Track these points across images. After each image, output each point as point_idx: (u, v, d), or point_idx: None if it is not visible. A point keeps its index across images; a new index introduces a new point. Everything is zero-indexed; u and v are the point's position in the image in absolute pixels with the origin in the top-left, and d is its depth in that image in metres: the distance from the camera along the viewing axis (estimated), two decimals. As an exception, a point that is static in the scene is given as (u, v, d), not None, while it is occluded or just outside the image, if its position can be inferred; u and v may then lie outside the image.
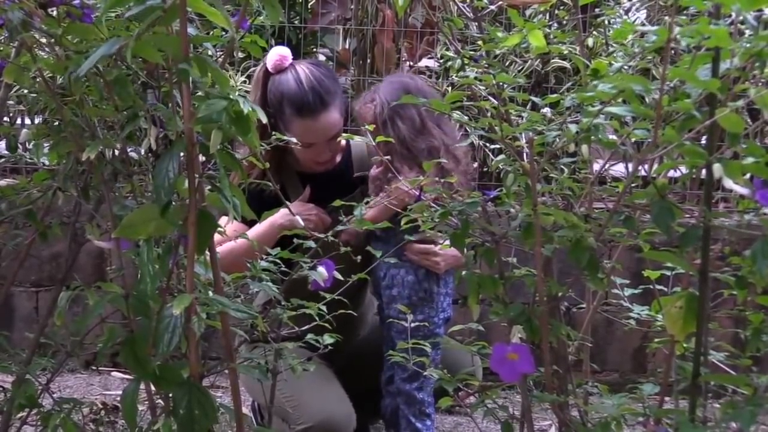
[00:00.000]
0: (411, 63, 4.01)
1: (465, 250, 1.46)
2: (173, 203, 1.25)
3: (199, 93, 1.20)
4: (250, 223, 2.11)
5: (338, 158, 2.50)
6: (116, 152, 1.51)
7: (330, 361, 2.38)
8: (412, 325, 2.00)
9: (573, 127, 1.29)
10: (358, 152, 2.51)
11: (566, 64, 3.67)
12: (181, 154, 1.22)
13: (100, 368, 3.42)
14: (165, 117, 1.23)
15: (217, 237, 1.72)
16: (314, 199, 2.35)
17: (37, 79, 1.49)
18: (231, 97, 1.11)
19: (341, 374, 2.44)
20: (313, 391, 2.27)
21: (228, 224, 1.80)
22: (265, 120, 1.15)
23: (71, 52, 1.28)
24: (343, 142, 2.48)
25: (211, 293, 1.32)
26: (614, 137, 1.36)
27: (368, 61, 3.96)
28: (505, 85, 1.41)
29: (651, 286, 1.74)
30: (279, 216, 2.20)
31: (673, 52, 2.40)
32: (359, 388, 2.40)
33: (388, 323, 2.30)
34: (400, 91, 2.26)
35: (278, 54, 2.33)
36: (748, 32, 1.32)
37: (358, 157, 2.50)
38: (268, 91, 2.35)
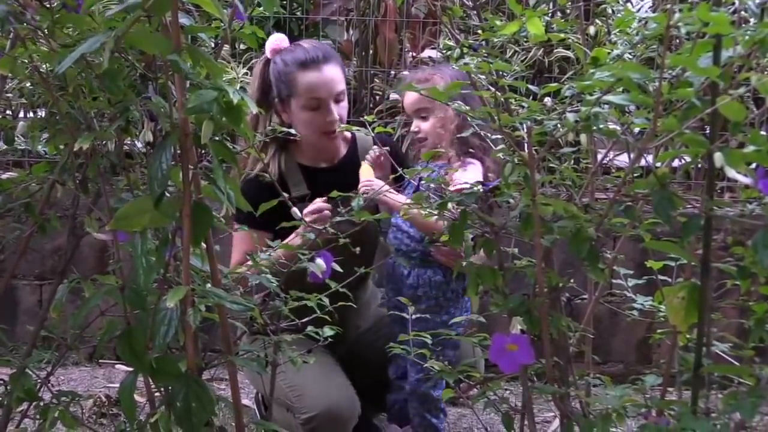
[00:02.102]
0: (413, 54, 3.99)
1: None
2: (171, 195, 1.24)
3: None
4: (267, 222, 2.00)
5: (343, 151, 2.48)
6: (114, 145, 1.50)
7: (331, 350, 2.37)
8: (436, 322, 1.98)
9: (572, 116, 1.27)
10: (363, 147, 2.49)
11: (569, 53, 3.65)
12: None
13: (104, 361, 3.43)
14: (156, 109, 1.22)
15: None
16: (317, 193, 2.34)
17: (35, 72, 1.49)
18: (222, 87, 1.10)
19: (343, 366, 2.43)
20: (316, 380, 2.26)
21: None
22: (255, 110, 1.14)
23: (59, 45, 1.27)
24: (348, 134, 2.47)
25: (208, 285, 1.31)
26: (616, 126, 1.35)
27: (371, 52, 3.94)
28: (504, 74, 1.40)
29: (655, 277, 1.72)
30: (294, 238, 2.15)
31: (677, 41, 2.38)
32: (362, 381, 2.38)
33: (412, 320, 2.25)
34: (464, 78, 2.24)
35: (277, 38, 2.40)
36: (752, 20, 1.30)
37: (363, 152, 2.48)
38: (270, 72, 2.38)
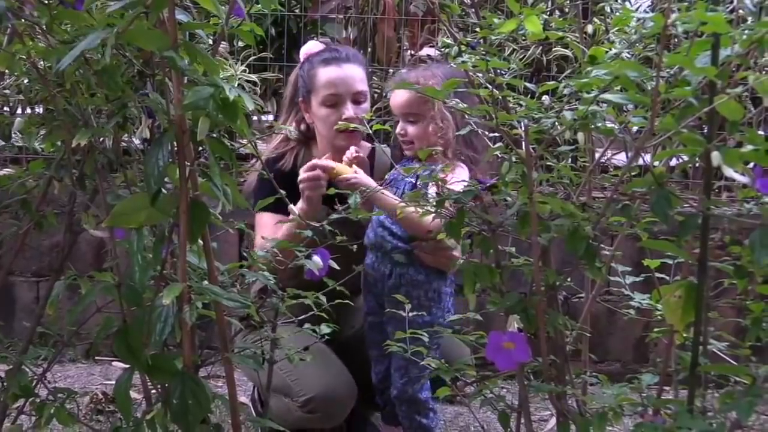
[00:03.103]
0: (412, 52, 3.99)
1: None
2: (167, 192, 1.24)
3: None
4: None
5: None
6: (112, 142, 1.50)
7: (327, 345, 2.37)
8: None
9: (569, 115, 1.27)
10: (381, 161, 2.47)
11: (568, 52, 3.65)
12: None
13: (101, 358, 3.42)
14: (153, 106, 1.22)
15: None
16: (335, 200, 2.32)
17: (33, 68, 1.48)
18: (219, 83, 1.10)
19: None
20: (314, 363, 2.24)
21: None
22: (252, 107, 1.14)
23: (57, 41, 1.27)
24: (369, 145, 2.46)
25: (205, 282, 1.31)
26: (614, 125, 1.35)
27: (369, 50, 3.93)
28: (501, 72, 1.40)
29: (652, 275, 1.72)
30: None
31: (675, 40, 2.38)
32: (357, 379, 2.38)
33: (389, 321, 2.24)
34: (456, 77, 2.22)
35: (312, 44, 2.50)
36: (750, 19, 1.30)
37: (380, 167, 2.47)
38: (299, 73, 2.43)
